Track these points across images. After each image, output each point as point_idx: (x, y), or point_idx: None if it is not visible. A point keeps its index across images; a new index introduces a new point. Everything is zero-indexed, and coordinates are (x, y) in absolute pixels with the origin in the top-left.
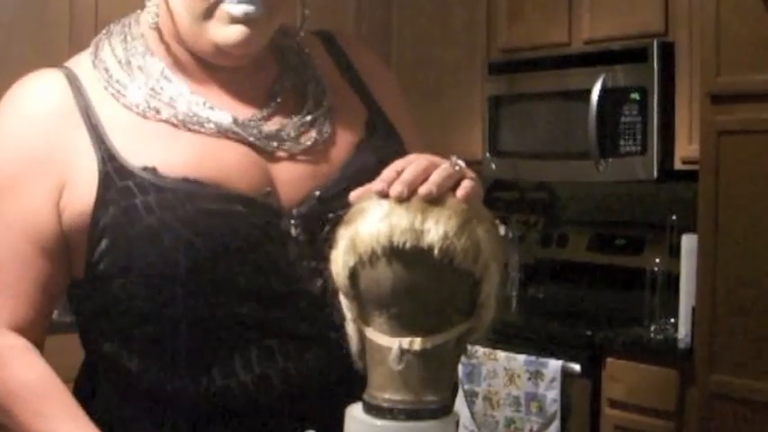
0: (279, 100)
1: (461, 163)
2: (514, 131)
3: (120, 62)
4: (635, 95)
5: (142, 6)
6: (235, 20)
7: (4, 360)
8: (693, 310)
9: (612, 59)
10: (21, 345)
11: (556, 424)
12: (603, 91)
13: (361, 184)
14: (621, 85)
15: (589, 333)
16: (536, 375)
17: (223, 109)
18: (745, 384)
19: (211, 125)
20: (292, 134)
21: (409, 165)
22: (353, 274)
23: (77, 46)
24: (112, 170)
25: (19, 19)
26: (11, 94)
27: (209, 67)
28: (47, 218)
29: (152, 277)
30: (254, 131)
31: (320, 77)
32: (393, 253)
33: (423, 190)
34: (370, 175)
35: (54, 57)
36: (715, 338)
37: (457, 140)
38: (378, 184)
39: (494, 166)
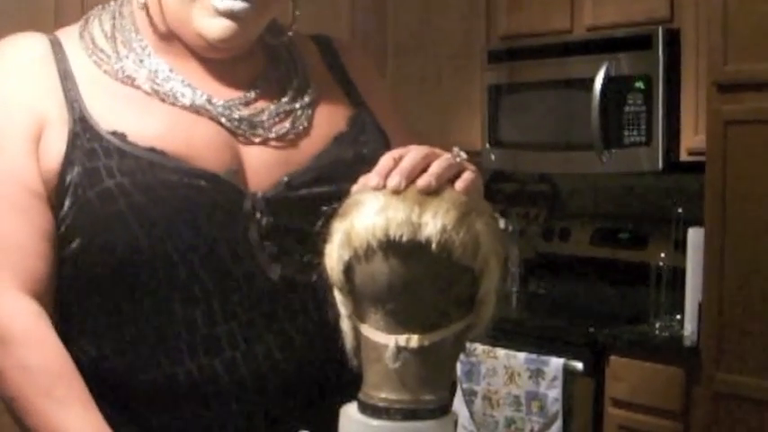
0: (258, 90)
1: (463, 154)
2: (515, 122)
3: (106, 35)
4: (639, 84)
5: None
6: (220, 13)
7: (23, 334)
8: (700, 306)
9: (616, 47)
10: (37, 312)
11: (557, 424)
12: (607, 79)
13: (334, 174)
14: (625, 74)
15: (592, 330)
16: (537, 374)
17: (201, 89)
18: (754, 383)
19: (186, 100)
20: (265, 121)
21: (408, 153)
22: (348, 269)
23: None
24: (81, 131)
25: (3, 12)
26: None
27: (198, 57)
28: (33, 164)
29: (107, 243)
30: (227, 113)
31: (306, 73)
32: (389, 247)
33: (421, 182)
34: (345, 166)
35: None
36: (722, 336)
37: (455, 131)
38: (374, 178)
39: (493, 158)
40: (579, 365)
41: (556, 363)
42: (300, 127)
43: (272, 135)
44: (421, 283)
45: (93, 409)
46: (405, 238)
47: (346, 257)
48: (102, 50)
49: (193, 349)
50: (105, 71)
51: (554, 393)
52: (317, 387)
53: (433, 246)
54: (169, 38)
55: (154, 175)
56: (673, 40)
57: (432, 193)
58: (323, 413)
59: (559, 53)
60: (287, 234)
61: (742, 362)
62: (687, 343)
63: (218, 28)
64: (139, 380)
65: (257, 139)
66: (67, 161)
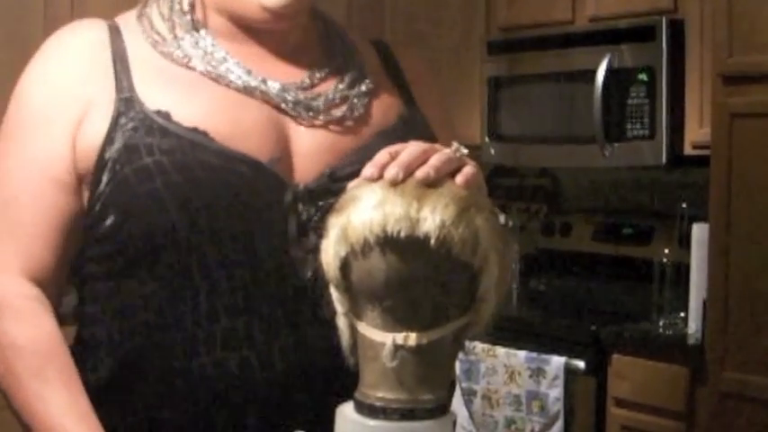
0: (316, 75)
1: (464, 150)
2: (515, 115)
3: (163, 17)
4: (642, 76)
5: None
6: None
7: (17, 312)
8: (704, 303)
9: (619, 38)
10: (35, 296)
11: (559, 424)
12: (609, 71)
13: None
14: (628, 66)
15: (594, 328)
16: (538, 373)
17: (257, 73)
18: (760, 382)
19: (240, 81)
20: (322, 105)
21: (406, 148)
22: (345, 265)
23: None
24: (126, 109)
25: None
26: (55, 36)
27: (253, 38)
28: (62, 149)
29: (139, 222)
30: (283, 95)
31: (363, 67)
32: (387, 243)
33: (420, 173)
34: None
35: (28, 53)
36: (727, 334)
37: (454, 125)
38: (368, 169)
39: (493, 152)
40: (581, 364)
41: (557, 361)
42: (356, 113)
43: (328, 118)
44: (419, 279)
45: (80, 393)
46: (402, 234)
47: (343, 253)
48: (158, 33)
49: (211, 341)
50: (161, 52)
51: (555, 393)
52: (333, 398)
53: (432, 241)
54: (226, 26)
55: (194, 156)
56: (677, 30)
57: (431, 187)
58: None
59: (561, 44)
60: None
61: (748, 360)
62: (691, 341)
63: None
64: (154, 367)
65: (312, 122)
66: (108, 138)
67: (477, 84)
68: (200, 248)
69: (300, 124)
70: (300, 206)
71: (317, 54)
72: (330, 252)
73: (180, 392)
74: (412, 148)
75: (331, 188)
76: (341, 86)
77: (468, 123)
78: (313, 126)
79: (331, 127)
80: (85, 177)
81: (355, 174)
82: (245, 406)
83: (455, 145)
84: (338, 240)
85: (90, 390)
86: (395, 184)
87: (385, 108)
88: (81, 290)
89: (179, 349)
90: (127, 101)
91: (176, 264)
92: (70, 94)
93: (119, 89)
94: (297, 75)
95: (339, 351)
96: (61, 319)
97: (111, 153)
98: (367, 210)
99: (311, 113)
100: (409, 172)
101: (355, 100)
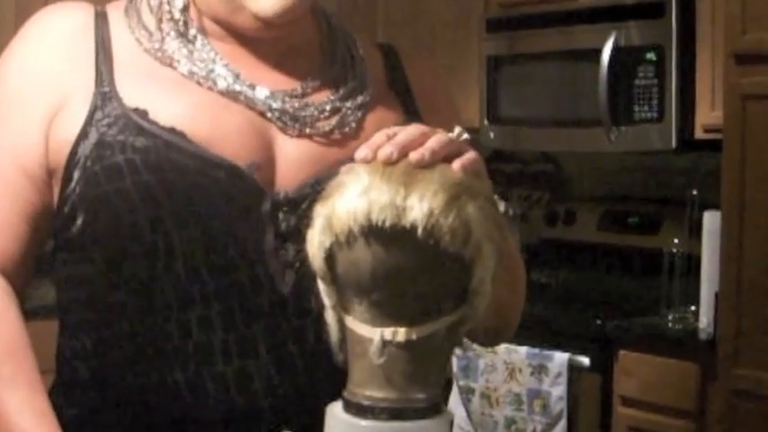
0: (311, 84)
1: (465, 135)
2: (515, 96)
3: (152, 10)
4: (651, 55)
5: None
6: None
7: None
8: (716, 296)
9: (625, 15)
10: (1, 287)
11: (562, 424)
12: (615, 50)
13: None
14: (635, 44)
15: (599, 322)
16: (540, 370)
17: (247, 77)
18: None
19: (223, 84)
20: (309, 116)
21: (404, 129)
22: (330, 256)
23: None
24: (103, 104)
25: None
26: (38, 17)
27: (247, 40)
28: (34, 140)
29: (107, 224)
30: (269, 102)
31: (364, 76)
32: (372, 233)
33: (414, 155)
34: None
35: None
36: (740, 328)
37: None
38: (362, 150)
39: (492, 135)
40: (585, 361)
41: (560, 358)
42: (347, 128)
43: (314, 131)
44: (407, 271)
45: (40, 392)
46: (388, 223)
47: (327, 244)
48: (145, 27)
49: (184, 356)
50: (145, 50)
51: (558, 391)
52: (316, 419)
53: (419, 231)
54: (220, 32)
55: (168, 157)
56: (687, 7)
57: (421, 173)
58: None
59: (564, 21)
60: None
61: (761, 356)
62: (702, 336)
63: (273, 4)
64: (128, 382)
65: (298, 133)
66: (83, 133)
67: (475, 63)
68: (169, 255)
69: (287, 133)
70: (280, 216)
71: (316, 60)
72: (315, 242)
73: (154, 410)
74: (410, 129)
75: (314, 199)
76: (333, 98)
77: (466, 105)
78: (299, 137)
79: (317, 139)
80: (56, 173)
81: None
82: (223, 427)
83: (458, 129)
84: (322, 230)
85: (66, 404)
86: (388, 163)
87: (381, 121)
88: (59, 297)
89: (152, 364)
90: (105, 95)
91: (145, 271)
92: (47, 83)
93: (98, 82)
94: (289, 82)
95: (325, 371)
96: (32, 313)
97: (84, 149)
98: (352, 197)
99: (297, 124)
100: (404, 152)
101: (348, 113)
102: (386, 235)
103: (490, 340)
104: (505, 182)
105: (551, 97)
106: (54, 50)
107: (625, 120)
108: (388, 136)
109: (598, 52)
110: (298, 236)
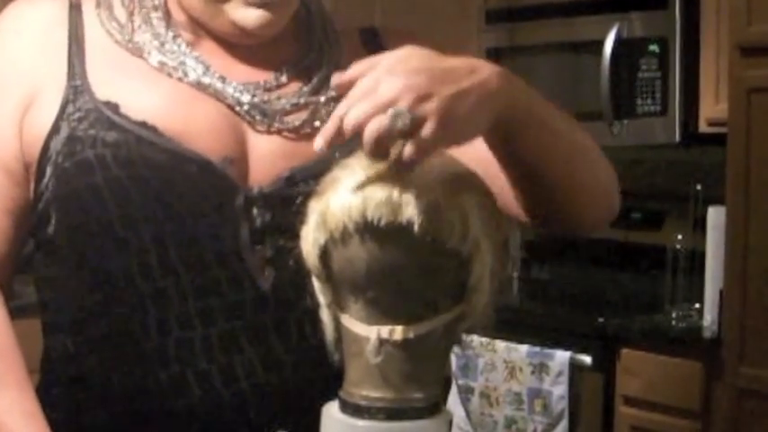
0: (283, 76)
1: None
2: None
3: (123, 2)
4: (654, 47)
5: None
6: (253, 3)
7: None
8: (721, 293)
9: (628, 6)
10: None
11: (563, 424)
12: (618, 42)
13: None
14: (638, 36)
15: (601, 320)
16: (540, 369)
17: (217, 68)
18: None
19: (193, 76)
20: (279, 111)
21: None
22: (325, 254)
23: None
24: (74, 98)
25: None
26: (11, 7)
27: (219, 39)
28: (9, 133)
29: (79, 220)
30: (238, 95)
31: (340, 63)
32: (367, 230)
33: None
34: None
35: None
36: (746, 326)
37: None
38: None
39: None
40: (587, 359)
41: (561, 356)
42: (318, 121)
43: (285, 126)
44: (403, 269)
45: (28, 392)
46: (383, 221)
47: (322, 241)
48: (116, 20)
49: (165, 354)
50: (116, 41)
51: (559, 390)
52: (306, 416)
53: (416, 228)
54: (192, 26)
55: (139, 152)
56: None
57: (417, 166)
58: None
59: (565, 13)
60: (284, 236)
61: (767, 355)
62: (707, 334)
63: (252, 17)
64: (110, 383)
65: (267, 128)
66: (55, 128)
67: (474, 55)
68: (142, 253)
69: (257, 128)
70: (254, 211)
71: (291, 49)
72: (309, 239)
73: (139, 410)
74: (356, 94)
75: (288, 193)
76: (306, 89)
77: None
78: (270, 131)
79: (286, 134)
80: (30, 168)
81: (316, 178)
82: (210, 426)
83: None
84: (317, 227)
85: (49, 406)
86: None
87: None
88: (39, 298)
89: (133, 363)
90: (77, 88)
91: (119, 269)
92: (19, 75)
93: (70, 75)
94: (262, 73)
95: (312, 366)
96: (21, 311)
97: (56, 144)
98: (346, 193)
99: (266, 118)
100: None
101: (321, 106)
102: (382, 232)
103: (571, 224)
104: None
105: (552, 90)
106: (27, 42)
107: (627, 113)
108: (340, 118)
109: (600, 44)
110: (274, 231)
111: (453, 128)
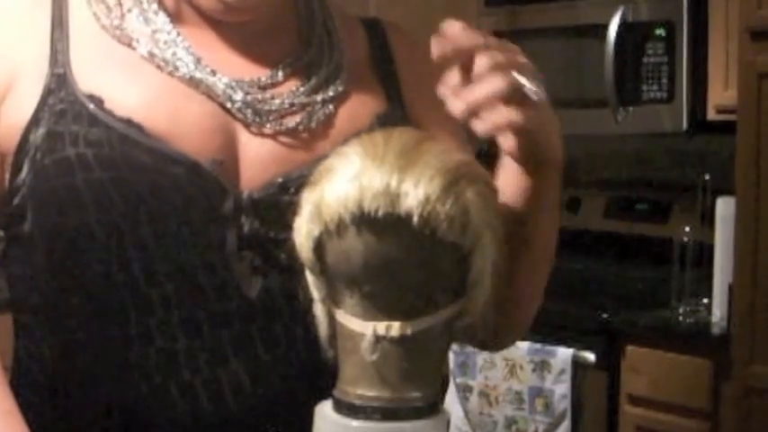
0: (281, 73)
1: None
2: None
3: None
4: (660, 31)
5: None
6: None
7: None
8: (730, 288)
9: None
10: None
11: (566, 424)
12: (623, 26)
13: None
14: (644, 20)
15: (605, 316)
16: (542, 366)
17: (209, 62)
18: None
19: (184, 69)
20: (274, 111)
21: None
22: (319, 246)
23: None
24: (57, 88)
25: None
26: None
27: (216, 27)
28: None
29: (57, 222)
30: (229, 92)
31: (341, 61)
32: (364, 221)
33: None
34: None
35: None
36: (756, 322)
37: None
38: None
39: None
40: (591, 357)
41: (563, 354)
42: (314, 123)
43: (279, 127)
44: (401, 262)
45: (4, 391)
46: (381, 212)
47: (316, 233)
48: (104, 1)
49: (146, 365)
50: (103, 26)
51: (561, 389)
52: (295, 428)
53: (415, 219)
54: (188, 11)
55: (123, 152)
56: None
57: (417, 156)
58: None
59: None
60: (274, 244)
61: None
62: (716, 330)
63: None
64: (87, 391)
65: (260, 129)
66: (34, 119)
67: None
68: (124, 259)
69: (250, 129)
70: (243, 217)
71: (289, 44)
72: (303, 231)
73: (117, 421)
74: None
75: (280, 200)
76: (303, 89)
77: None
78: (262, 134)
79: (281, 137)
80: (6, 158)
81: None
82: None
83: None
84: (311, 218)
85: (24, 411)
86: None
87: (358, 110)
88: (12, 296)
89: (112, 372)
90: (59, 78)
91: (99, 275)
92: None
93: (53, 62)
94: (257, 70)
95: (300, 378)
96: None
97: (35, 139)
98: (342, 183)
99: (258, 119)
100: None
101: (318, 106)
102: (379, 223)
103: (497, 342)
104: None
105: (554, 76)
106: (7, 23)
107: (633, 100)
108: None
109: (604, 28)
110: (263, 239)
111: (551, 131)
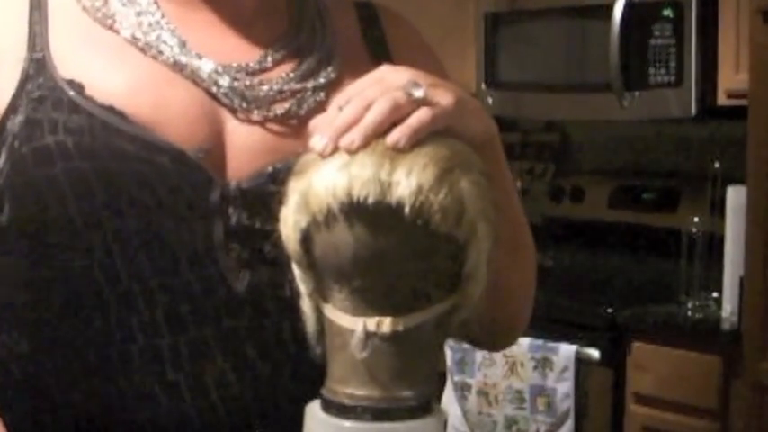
0: (270, 60)
1: (418, 93)
2: (516, 58)
3: None
4: (668, 12)
5: None
6: None
7: None
8: (741, 281)
9: None
10: None
11: (569, 424)
12: (628, 6)
13: None
14: (651, 0)
15: (610, 311)
16: (544, 364)
17: (195, 46)
18: None
19: (168, 53)
20: (262, 98)
21: (371, 101)
22: (306, 238)
23: None
24: (35, 73)
25: None
26: None
27: (204, 9)
28: None
29: (35, 214)
30: (215, 77)
31: (333, 46)
32: (353, 211)
33: (390, 137)
34: None
35: None
36: None
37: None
38: (318, 141)
39: (491, 101)
40: (595, 353)
41: (566, 350)
42: (304, 111)
43: (268, 115)
44: (393, 255)
45: None
46: (371, 200)
47: (303, 224)
48: None
49: (128, 363)
50: (84, 8)
51: (564, 387)
52: (284, 429)
53: (406, 210)
54: None
55: (105, 140)
56: None
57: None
58: None
59: None
60: (263, 237)
61: None
62: (726, 326)
63: None
64: (68, 389)
65: (248, 116)
66: (12, 107)
67: (471, 20)
68: (105, 252)
69: (236, 116)
70: (230, 209)
71: (280, 27)
72: (289, 222)
73: (98, 421)
74: (380, 106)
75: (269, 191)
76: (293, 75)
77: (461, 68)
78: (250, 121)
79: (270, 125)
80: None
81: None
82: None
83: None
84: (298, 209)
85: (2, 410)
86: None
87: None
88: None
89: (93, 370)
90: (38, 62)
91: (79, 269)
92: None
93: (31, 46)
94: (245, 54)
95: (289, 376)
96: None
97: (13, 126)
98: (331, 172)
99: (245, 105)
100: (371, 138)
101: (308, 93)
102: (369, 214)
103: (493, 339)
104: (505, 153)
105: (557, 59)
106: None
107: (639, 84)
108: (340, 108)
109: (609, 8)
110: (251, 231)
111: (461, 114)
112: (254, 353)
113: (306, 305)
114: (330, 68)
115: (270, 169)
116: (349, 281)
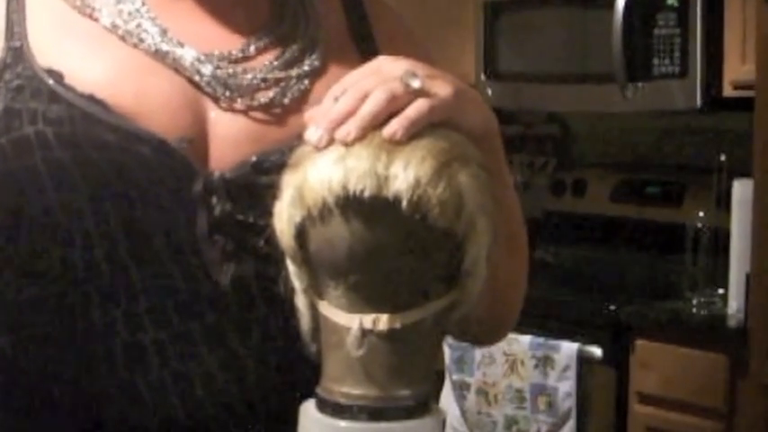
0: (252, 47)
1: (416, 83)
2: (517, 48)
3: None
4: (672, 1)
5: None
6: None
7: None
8: (748, 277)
9: None
10: None
11: (570, 424)
12: None
13: None
14: None
15: (613, 308)
16: (545, 362)
17: (176, 34)
18: None
19: (150, 41)
20: (245, 86)
21: (368, 91)
22: (301, 233)
23: None
24: (13, 62)
25: None
26: None
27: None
28: None
29: (14, 205)
30: (197, 65)
31: (317, 33)
32: (349, 205)
33: (387, 130)
34: None
35: None
36: None
37: (443, 60)
38: (313, 132)
39: (490, 93)
40: (597, 352)
41: (568, 348)
42: (288, 99)
43: (251, 103)
44: (390, 250)
45: None
46: (367, 194)
47: (298, 218)
48: None
49: (111, 359)
50: None
51: (566, 387)
52: (272, 426)
53: (404, 204)
54: None
55: (86, 130)
56: None
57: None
58: None
59: None
60: (247, 228)
61: None
62: (732, 323)
63: None
64: (49, 388)
65: (231, 105)
66: None
67: (470, 9)
68: (86, 244)
69: (219, 105)
70: (214, 199)
71: (263, 14)
72: (284, 216)
73: (81, 420)
74: (376, 97)
75: (254, 181)
76: (276, 63)
77: (460, 58)
78: (233, 110)
79: (252, 114)
80: None
81: (284, 166)
82: None
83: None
84: (292, 202)
85: None
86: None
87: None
88: None
89: (75, 368)
90: (16, 51)
91: (59, 263)
92: None
93: (8, 35)
94: (227, 42)
95: (278, 372)
96: None
97: None
98: (326, 165)
99: (228, 93)
100: (367, 130)
101: (293, 81)
102: (365, 208)
103: (486, 335)
104: (505, 146)
105: (558, 49)
106: None
107: (642, 75)
108: (336, 99)
109: None
110: (235, 222)
111: (460, 106)
112: (239, 347)
113: (300, 302)
114: (314, 56)
115: (254, 158)
116: (345, 277)
